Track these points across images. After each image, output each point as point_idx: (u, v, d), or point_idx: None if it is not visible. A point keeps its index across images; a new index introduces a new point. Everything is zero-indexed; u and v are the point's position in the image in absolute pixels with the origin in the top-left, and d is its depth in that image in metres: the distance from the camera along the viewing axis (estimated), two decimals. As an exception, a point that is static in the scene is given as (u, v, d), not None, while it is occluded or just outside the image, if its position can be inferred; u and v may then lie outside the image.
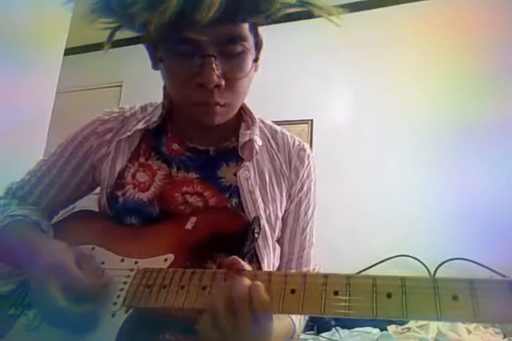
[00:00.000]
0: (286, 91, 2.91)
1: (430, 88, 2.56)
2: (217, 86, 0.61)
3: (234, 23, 0.60)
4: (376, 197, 2.51)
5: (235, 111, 0.70)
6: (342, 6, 0.59)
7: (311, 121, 2.83)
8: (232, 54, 0.62)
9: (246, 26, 0.62)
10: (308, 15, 0.60)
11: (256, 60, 0.67)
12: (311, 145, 2.77)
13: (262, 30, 0.70)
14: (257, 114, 0.80)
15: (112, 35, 0.63)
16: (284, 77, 2.92)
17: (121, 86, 3.53)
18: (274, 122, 0.84)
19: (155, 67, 0.68)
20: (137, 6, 0.55)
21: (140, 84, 2.76)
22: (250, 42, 0.64)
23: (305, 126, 2.82)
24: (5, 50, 1.84)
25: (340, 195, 2.52)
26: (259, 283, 0.49)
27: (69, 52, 2.54)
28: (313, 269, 0.80)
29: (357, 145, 2.66)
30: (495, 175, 2.25)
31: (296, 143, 0.80)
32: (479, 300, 0.40)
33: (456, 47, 2.53)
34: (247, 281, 0.49)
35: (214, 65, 0.59)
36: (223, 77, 0.61)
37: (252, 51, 0.65)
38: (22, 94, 1.93)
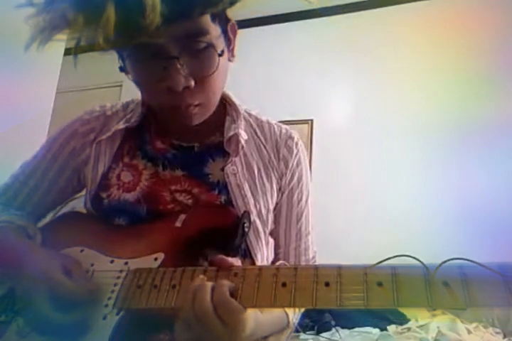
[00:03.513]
0: (286, 91, 2.90)
1: (430, 88, 2.56)
2: (187, 87, 0.58)
3: (190, 19, 0.55)
4: (376, 197, 2.51)
5: (213, 108, 0.67)
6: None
7: (311, 121, 2.83)
8: (195, 51, 0.58)
9: (206, 18, 0.57)
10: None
11: (222, 54, 0.61)
12: (311, 146, 2.77)
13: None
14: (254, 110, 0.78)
15: (77, 43, 0.57)
16: (284, 77, 2.92)
17: (121, 86, 3.52)
18: (274, 122, 0.83)
19: (124, 72, 0.64)
20: (78, 22, 0.51)
21: (140, 84, 2.75)
22: (215, 33, 0.59)
23: (305, 126, 2.82)
24: (5, 50, 1.84)
25: (340, 194, 2.52)
26: (223, 282, 0.48)
27: (69, 52, 2.54)
28: (312, 257, 0.78)
29: (357, 145, 2.66)
30: (495, 175, 2.25)
31: (283, 131, 0.77)
32: (469, 286, 0.41)
33: (455, 48, 2.53)
34: (207, 288, 0.48)
35: (178, 66, 0.56)
36: (191, 77, 0.58)
37: (220, 42, 0.61)
38: (22, 94, 1.92)
